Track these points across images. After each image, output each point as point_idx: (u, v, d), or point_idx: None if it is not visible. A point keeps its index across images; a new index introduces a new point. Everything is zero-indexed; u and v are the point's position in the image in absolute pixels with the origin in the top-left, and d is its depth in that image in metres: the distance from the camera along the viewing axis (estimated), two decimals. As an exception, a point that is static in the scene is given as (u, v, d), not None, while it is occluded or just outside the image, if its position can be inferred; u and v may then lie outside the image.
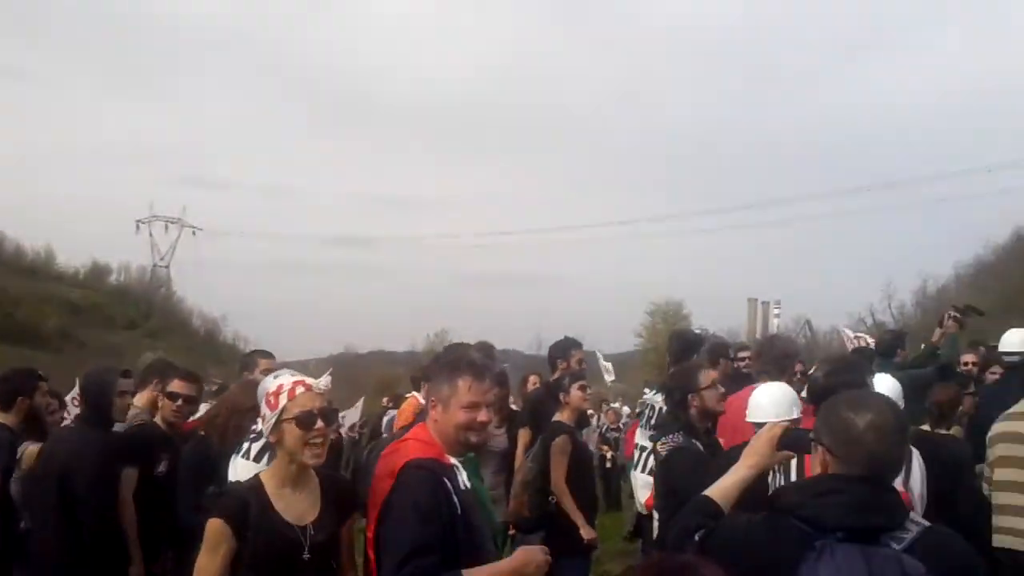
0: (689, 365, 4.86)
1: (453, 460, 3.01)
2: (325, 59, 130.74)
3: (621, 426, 17.42)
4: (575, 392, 5.74)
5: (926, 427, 5.81)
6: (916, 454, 4.02)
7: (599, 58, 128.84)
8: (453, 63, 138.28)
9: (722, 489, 2.57)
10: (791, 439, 2.61)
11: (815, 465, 2.27)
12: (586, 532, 5.52)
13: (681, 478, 3.86)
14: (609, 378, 22.08)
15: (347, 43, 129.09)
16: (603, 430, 17.51)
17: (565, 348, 6.75)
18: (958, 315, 7.19)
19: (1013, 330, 6.71)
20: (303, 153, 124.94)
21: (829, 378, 3.47)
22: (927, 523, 2.16)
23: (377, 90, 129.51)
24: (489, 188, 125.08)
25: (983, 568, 2.25)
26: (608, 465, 15.27)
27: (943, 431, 5.68)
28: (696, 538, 2.33)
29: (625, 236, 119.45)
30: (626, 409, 19.28)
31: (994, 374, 6.99)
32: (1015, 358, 6.50)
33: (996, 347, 7.08)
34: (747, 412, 4.15)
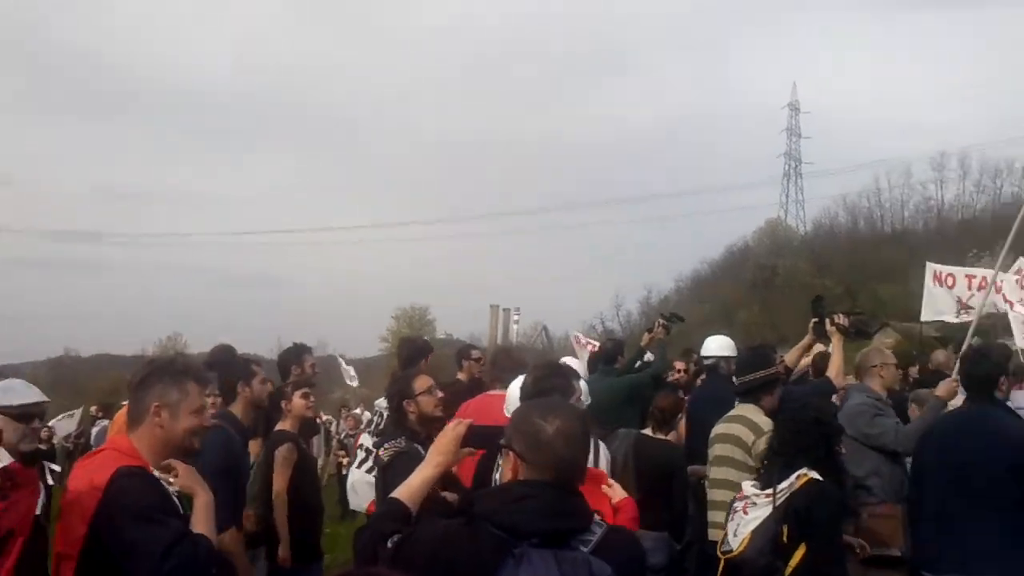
0: (407, 372, 4.83)
1: (156, 472, 2.91)
2: (56, 41, 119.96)
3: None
4: (297, 400, 5.57)
5: (647, 431, 6.14)
6: (603, 445, 4.25)
7: (356, 60, 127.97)
8: (207, 53, 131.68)
9: (410, 489, 2.56)
10: (477, 437, 2.63)
11: (506, 471, 2.30)
12: (283, 550, 5.32)
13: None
14: (353, 383, 21.89)
15: (82, 26, 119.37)
16: (342, 436, 17.27)
17: (297, 353, 6.54)
18: (666, 321, 7.73)
19: (712, 337, 7.30)
20: (22, 142, 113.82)
21: (538, 383, 3.53)
22: (607, 524, 2.27)
23: (119, 78, 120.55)
24: (232, 186, 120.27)
25: (645, 560, 2.42)
26: (344, 472, 15.04)
27: (662, 435, 6.01)
28: (389, 544, 2.29)
29: (375, 240, 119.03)
30: (367, 415, 19.15)
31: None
32: (711, 361, 7.06)
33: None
34: (506, 407, 4.21)
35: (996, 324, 10.13)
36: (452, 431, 2.65)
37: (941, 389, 5.10)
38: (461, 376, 6.81)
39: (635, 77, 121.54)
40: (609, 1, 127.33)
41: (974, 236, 47.57)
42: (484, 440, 2.64)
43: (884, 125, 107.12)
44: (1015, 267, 7.22)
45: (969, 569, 4.18)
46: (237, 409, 5.04)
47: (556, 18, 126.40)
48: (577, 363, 6.90)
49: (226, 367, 5.09)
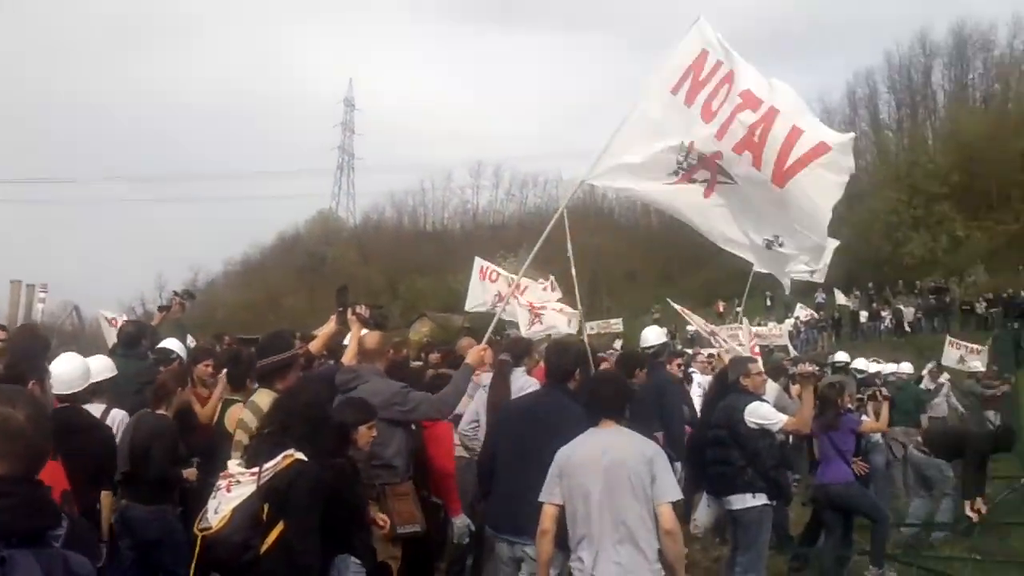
0: None
1: None
2: None
3: None
4: None
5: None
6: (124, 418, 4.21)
7: None
8: None
9: None
10: None
11: None
12: None
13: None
14: None
15: None
16: None
17: None
18: (181, 299, 7.75)
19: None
20: None
21: (10, 370, 3.36)
22: (66, 514, 2.13)
23: None
24: None
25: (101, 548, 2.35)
26: None
27: (162, 410, 5.92)
28: None
29: None
30: None
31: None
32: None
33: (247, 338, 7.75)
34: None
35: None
36: None
37: (470, 357, 5.61)
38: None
39: (192, 51, 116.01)
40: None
41: (503, 239, 52.92)
42: None
43: (432, 131, 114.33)
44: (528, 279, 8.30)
45: (520, 531, 4.78)
46: None
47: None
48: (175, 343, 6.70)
49: None
